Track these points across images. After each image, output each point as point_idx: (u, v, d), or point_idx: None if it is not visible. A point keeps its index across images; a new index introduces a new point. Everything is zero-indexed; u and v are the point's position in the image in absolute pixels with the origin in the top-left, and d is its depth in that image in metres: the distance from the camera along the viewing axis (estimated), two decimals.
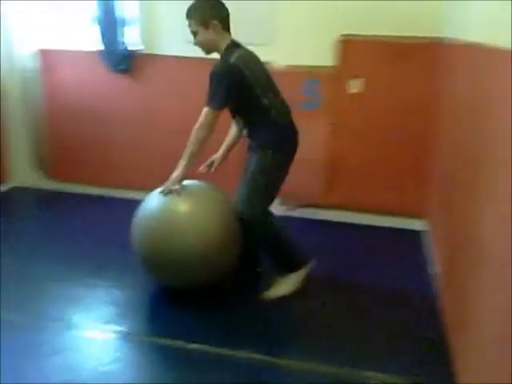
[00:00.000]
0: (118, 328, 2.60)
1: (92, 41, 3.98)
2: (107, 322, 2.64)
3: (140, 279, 2.96)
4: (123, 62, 4.01)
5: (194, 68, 3.82)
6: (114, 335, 2.56)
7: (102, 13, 3.86)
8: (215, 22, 2.64)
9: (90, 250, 3.42)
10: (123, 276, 2.96)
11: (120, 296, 2.89)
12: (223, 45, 2.69)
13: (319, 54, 3.73)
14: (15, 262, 3.24)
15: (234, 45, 2.71)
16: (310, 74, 3.78)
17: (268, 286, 2.91)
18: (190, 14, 2.66)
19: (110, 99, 4.19)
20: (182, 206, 2.70)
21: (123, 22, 3.91)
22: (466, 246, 2.32)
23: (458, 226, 2.57)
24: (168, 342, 2.49)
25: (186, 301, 2.82)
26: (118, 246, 3.21)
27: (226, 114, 2.77)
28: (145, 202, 2.79)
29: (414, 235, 3.78)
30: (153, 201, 2.75)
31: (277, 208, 4.07)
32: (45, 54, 4.22)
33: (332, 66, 3.72)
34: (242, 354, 2.42)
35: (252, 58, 2.77)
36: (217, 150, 3.04)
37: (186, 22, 2.68)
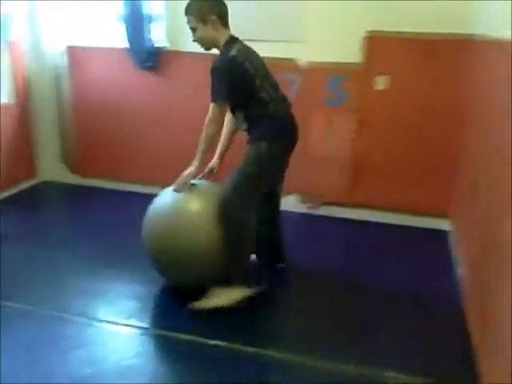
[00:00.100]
0: (140, 322, 2.63)
1: (119, 38, 4.03)
2: (130, 317, 2.67)
3: None
4: (150, 59, 4.04)
5: None
6: (136, 329, 2.59)
7: (128, 10, 3.90)
8: (214, 17, 2.65)
9: (113, 244, 3.47)
10: (145, 271, 2.99)
11: (142, 291, 2.92)
12: (222, 40, 2.70)
13: (345, 50, 3.70)
14: (41, 255, 3.31)
15: (233, 40, 2.73)
16: (335, 71, 3.75)
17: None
18: (189, 10, 2.68)
19: (135, 96, 4.23)
20: (191, 205, 2.71)
21: (150, 19, 3.94)
22: (489, 247, 2.29)
23: (482, 226, 2.53)
24: (189, 337, 2.50)
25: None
26: (141, 240, 3.24)
27: None
28: (156, 199, 2.83)
29: (440, 235, 3.73)
30: (163, 198, 2.80)
31: (299, 206, 4.10)
32: (72, 52, 4.28)
33: (358, 63, 3.69)
34: (262, 352, 2.42)
35: (251, 52, 2.78)
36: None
37: (185, 19, 2.70)
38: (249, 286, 2.75)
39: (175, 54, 4.02)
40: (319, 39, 3.74)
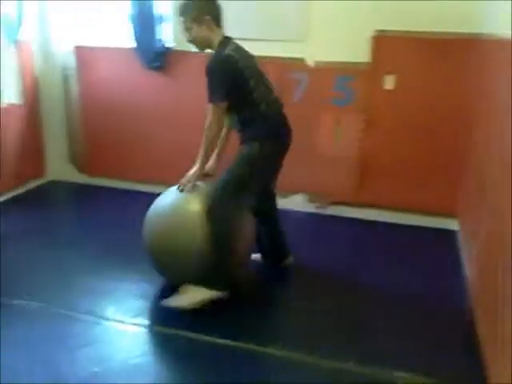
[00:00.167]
0: (148, 321, 2.64)
1: (127, 38, 4.04)
2: (137, 315, 2.68)
3: None
4: (157, 59, 4.05)
5: None
6: (143, 328, 2.60)
7: (136, 10, 3.91)
8: (208, 18, 2.65)
9: (120, 244, 3.48)
10: (153, 270, 2.99)
11: (149, 289, 2.93)
12: (216, 40, 2.70)
13: (353, 50, 3.69)
14: (48, 254, 3.32)
15: (227, 40, 2.73)
16: (343, 71, 3.75)
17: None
18: (183, 10, 2.68)
19: (143, 96, 4.24)
20: (192, 205, 2.71)
21: (160, 19, 3.95)
22: (496, 247, 2.27)
23: (489, 226, 2.52)
24: (197, 336, 2.51)
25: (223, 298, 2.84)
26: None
27: None
28: (157, 200, 2.85)
29: (448, 235, 3.71)
30: (164, 198, 2.81)
31: (306, 206, 4.10)
32: (80, 52, 4.30)
33: (366, 63, 3.68)
34: (269, 351, 2.42)
35: (244, 52, 2.77)
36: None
37: (181, 19, 2.70)
38: (223, 289, 2.69)
39: (183, 54, 4.03)
40: (327, 39, 3.73)
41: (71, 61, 4.34)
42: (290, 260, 3.21)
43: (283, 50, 3.82)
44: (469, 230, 3.23)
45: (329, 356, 2.39)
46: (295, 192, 4.11)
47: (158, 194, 2.94)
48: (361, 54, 3.67)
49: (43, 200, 4.32)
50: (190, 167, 2.81)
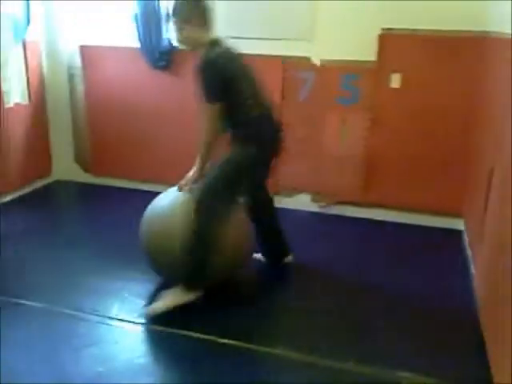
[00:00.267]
0: (152, 321, 2.63)
1: (132, 38, 4.04)
2: (141, 315, 2.67)
3: None
4: (162, 58, 4.05)
5: None
6: (147, 328, 2.59)
7: (141, 10, 3.91)
8: (199, 19, 2.66)
9: (126, 243, 3.47)
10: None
11: (154, 289, 2.91)
12: (207, 41, 2.69)
13: (359, 48, 3.68)
14: (53, 253, 3.33)
15: (217, 41, 2.72)
16: (349, 69, 3.73)
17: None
18: (175, 11, 2.68)
19: (148, 96, 4.24)
20: (188, 206, 2.69)
21: (167, 19, 3.94)
22: (503, 247, 2.25)
23: (494, 227, 2.50)
24: (201, 335, 2.50)
25: (220, 296, 2.83)
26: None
27: None
28: (154, 200, 2.85)
29: (455, 234, 3.70)
30: (161, 199, 2.83)
31: (311, 205, 4.08)
32: (85, 51, 4.30)
33: (372, 61, 3.66)
34: (269, 351, 2.42)
35: (234, 53, 2.77)
36: None
37: (173, 19, 2.70)
38: (194, 291, 2.65)
39: (188, 54, 4.00)
40: (333, 37, 3.73)
41: (77, 60, 4.34)
42: (290, 259, 3.21)
43: (289, 49, 3.81)
44: (475, 229, 3.21)
45: (329, 356, 2.38)
46: (300, 191, 4.10)
47: None
48: (367, 52, 3.65)
49: (49, 200, 4.34)
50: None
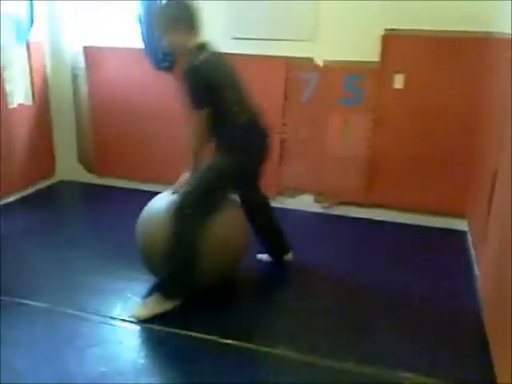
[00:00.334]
0: (156, 321, 2.63)
1: (136, 38, 4.04)
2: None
3: None
4: (166, 59, 4.05)
5: (236, 64, 3.83)
6: (152, 328, 2.59)
7: (144, 11, 3.91)
8: (183, 23, 2.63)
9: (129, 243, 3.46)
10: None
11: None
12: (191, 46, 2.65)
13: (362, 49, 3.68)
14: (57, 254, 3.34)
15: (203, 45, 2.68)
16: (352, 70, 3.73)
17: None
18: (157, 17, 2.67)
19: (152, 96, 4.25)
20: None
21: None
22: (506, 248, 2.25)
23: (498, 227, 2.49)
24: (201, 335, 2.50)
25: (220, 296, 2.85)
26: None
27: None
28: (150, 202, 2.86)
29: (458, 235, 3.69)
30: (157, 201, 2.84)
31: (313, 206, 4.08)
32: (89, 52, 4.31)
33: (375, 62, 3.66)
34: (269, 351, 2.42)
35: (220, 59, 2.74)
36: None
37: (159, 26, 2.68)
38: (173, 300, 2.64)
39: None
40: (336, 38, 3.72)
41: (80, 61, 4.35)
42: (290, 256, 3.21)
43: (292, 50, 3.81)
44: (478, 230, 3.20)
45: (329, 356, 2.38)
46: (303, 192, 4.11)
47: None
48: (370, 53, 3.65)
49: (52, 200, 4.35)
50: None
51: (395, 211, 3.90)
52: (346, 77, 3.76)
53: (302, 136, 3.93)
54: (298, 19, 3.78)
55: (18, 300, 2.75)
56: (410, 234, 3.75)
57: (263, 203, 3.11)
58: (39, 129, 4.39)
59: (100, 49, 4.27)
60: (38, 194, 4.38)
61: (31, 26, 4.09)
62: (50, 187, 4.54)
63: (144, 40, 4.01)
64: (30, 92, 4.25)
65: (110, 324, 2.60)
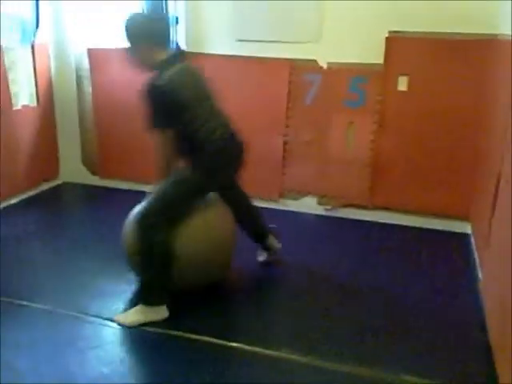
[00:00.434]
0: (158, 324, 2.63)
1: None
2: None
3: None
4: None
5: (240, 67, 3.84)
6: (152, 330, 2.58)
7: (149, 12, 3.91)
8: (150, 38, 2.59)
9: None
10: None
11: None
12: (159, 60, 2.60)
13: (366, 51, 3.67)
14: (59, 256, 3.34)
15: (171, 60, 2.62)
16: (356, 72, 3.72)
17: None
18: (124, 31, 2.61)
19: None
20: None
21: (176, 21, 3.94)
22: (509, 253, 2.23)
23: (501, 231, 2.48)
24: (202, 337, 2.50)
25: (220, 296, 2.85)
26: None
27: None
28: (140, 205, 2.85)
29: (462, 238, 3.67)
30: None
31: (316, 208, 4.07)
32: (93, 53, 4.32)
33: (379, 64, 3.65)
34: (268, 351, 2.41)
35: (190, 73, 2.69)
36: None
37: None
38: (154, 308, 2.60)
39: (194, 56, 4.02)
40: (340, 40, 3.72)
41: (85, 63, 4.36)
42: (275, 243, 3.15)
43: (296, 52, 3.81)
44: (482, 233, 3.18)
45: (329, 356, 2.38)
46: (306, 194, 4.10)
47: None
48: (374, 55, 3.64)
49: (56, 202, 4.36)
50: None
51: (399, 213, 3.88)
52: (350, 79, 3.75)
53: (305, 138, 3.93)
54: (302, 21, 3.78)
55: (19, 302, 2.75)
56: (414, 237, 3.73)
57: (243, 201, 3.05)
58: (43, 130, 4.40)
59: (104, 51, 4.28)
60: (42, 195, 4.39)
61: (37, 27, 4.10)
62: (53, 189, 4.55)
63: None
64: (35, 94, 4.26)
65: (112, 326, 2.60)
